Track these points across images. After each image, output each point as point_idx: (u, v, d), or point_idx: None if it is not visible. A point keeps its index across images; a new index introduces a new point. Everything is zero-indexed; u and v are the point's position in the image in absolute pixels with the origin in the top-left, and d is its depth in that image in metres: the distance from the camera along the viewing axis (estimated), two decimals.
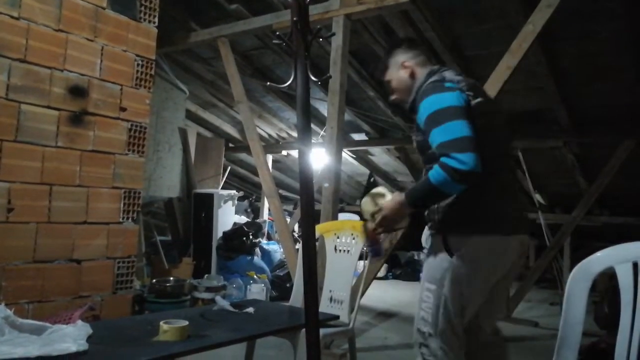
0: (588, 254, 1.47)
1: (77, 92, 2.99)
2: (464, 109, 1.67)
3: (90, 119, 3.05)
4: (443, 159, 1.58)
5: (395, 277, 7.56)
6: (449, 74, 1.83)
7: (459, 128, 1.60)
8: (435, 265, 1.78)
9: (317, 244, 2.98)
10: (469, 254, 1.69)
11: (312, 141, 5.91)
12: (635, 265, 1.40)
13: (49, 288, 2.84)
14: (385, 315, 5.00)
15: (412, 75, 1.94)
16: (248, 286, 4.76)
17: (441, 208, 1.78)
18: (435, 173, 1.60)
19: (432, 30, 3.99)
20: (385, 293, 6.19)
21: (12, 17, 2.71)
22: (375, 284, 4.73)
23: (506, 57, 3.10)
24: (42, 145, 2.83)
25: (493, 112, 1.82)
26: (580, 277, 1.45)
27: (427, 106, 1.71)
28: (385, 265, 7.17)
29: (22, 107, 2.75)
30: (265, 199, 7.08)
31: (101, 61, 3.11)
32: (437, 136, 1.63)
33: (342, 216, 6.07)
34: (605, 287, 4.65)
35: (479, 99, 1.75)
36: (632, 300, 1.39)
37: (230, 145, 8.04)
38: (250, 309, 2.17)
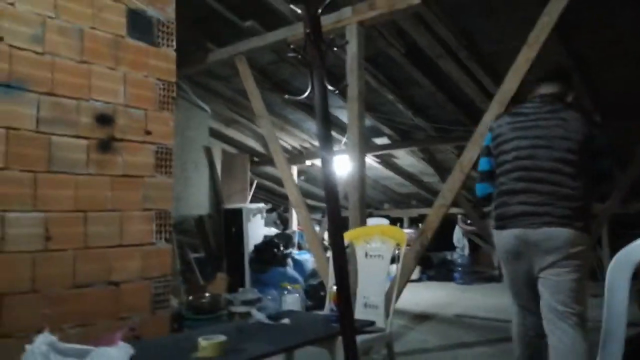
0: (627, 243, 1.44)
1: (104, 119, 3.07)
2: (486, 147, 2.47)
3: (117, 144, 3.13)
4: None
5: (429, 279, 7.49)
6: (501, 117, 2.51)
7: (480, 164, 2.51)
8: None
9: (347, 251, 2.98)
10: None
11: (335, 149, 5.91)
12: None
13: (90, 311, 2.90)
14: (422, 317, 4.95)
15: None
16: (282, 297, 4.78)
17: None
18: None
19: (446, 29, 3.98)
20: (420, 295, 6.14)
21: (36, 52, 2.81)
22: (409, 286, 4.68)
23: (524, 50, 3.07)
24: (74, 174, 2.91)
25: (505, 141, 2.34)
26: (620, 267, 1.42)
27: None
28: (418, 267, 7.10)
29: (52, 138, 2.83)
30: (293, 209, 7.12)
31: (124, 88, 3.19)
32: None
33: (370, 221, 6.06)
34: None
35: (496, 137, 2.39)
36: None
37: (255, 159, 8.12)
38: (287, 320, 2.18)
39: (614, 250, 1.87)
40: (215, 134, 7.16)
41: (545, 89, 2.38)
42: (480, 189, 2.47)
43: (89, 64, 3.02)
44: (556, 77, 2.43)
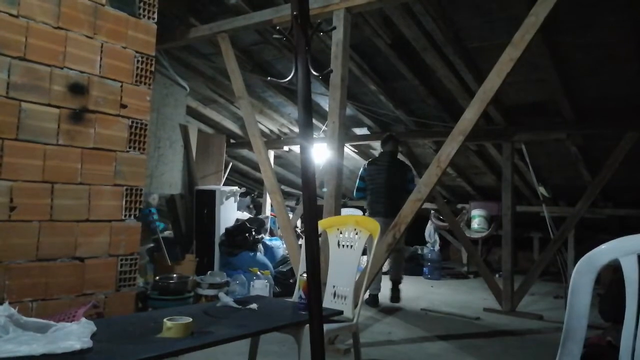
0: (592, 247, 1.46)
1: (77, 89, 2.98)
2: (363, 177, 5.30)
3: (90, 116, 3.04)
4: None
5: None
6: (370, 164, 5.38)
7: (359, 183, 5.36)
8: None
9: (319, 239, 2.97)
10: None
11: (314, 136, 5.88)
12: None
13: (53, 286, 2.84)
14: (389, 310, 5.00)
15: None
16: (251, 282, 4.76)
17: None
18: None
19: (433, 22, 3.97)
20: (388, 288, 6.18)
21: (11, 15, 2.70)
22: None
23: (509, 49, 3.08)
24: (43, 143, 2.83)
25: (374, 178, 5.19)
26: (584, 270, 1.44)
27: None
28: (388, 260, 7.16)
29: (22, 105, 2.74)
30: (268, 194, 7.08)
31: (101, 58, 3.10)
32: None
33: (344, 211, 6.08)
34: (609, 279, 4.63)
35: (370, 174, 5.26)
36: (637, 292, 1.38)
37: (232, 141, 8.03)
38: (254, 305, 2.17)
39: (579, 254, 1.92)
40: (192, 112, 7.04)
41: (388, 148, 5.26)
42: (358, 194, 5.41)
43: (66, 30, 2.93)
44: (392, 140, 5.29)
